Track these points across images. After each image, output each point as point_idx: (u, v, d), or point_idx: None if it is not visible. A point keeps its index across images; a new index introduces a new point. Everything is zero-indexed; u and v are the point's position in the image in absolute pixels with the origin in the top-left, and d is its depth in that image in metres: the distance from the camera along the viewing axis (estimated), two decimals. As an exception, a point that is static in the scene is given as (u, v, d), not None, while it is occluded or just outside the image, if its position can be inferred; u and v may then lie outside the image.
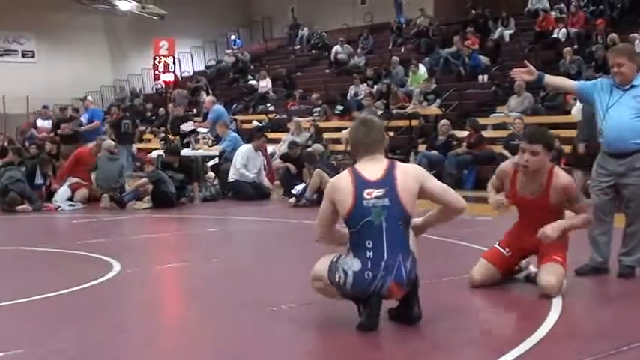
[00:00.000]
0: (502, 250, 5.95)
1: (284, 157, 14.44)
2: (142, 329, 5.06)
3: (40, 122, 19.33)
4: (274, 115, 22.96)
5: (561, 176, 5.71)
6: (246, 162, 13.60)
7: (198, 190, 13.42)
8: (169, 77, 25.71)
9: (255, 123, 21.56)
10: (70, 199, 13.23)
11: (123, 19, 31.71)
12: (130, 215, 12.09)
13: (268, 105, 24.37)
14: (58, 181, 13.59)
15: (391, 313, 4.86)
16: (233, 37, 32.28)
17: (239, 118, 22.52)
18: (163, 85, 27.17)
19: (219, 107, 17.54)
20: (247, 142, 14.38)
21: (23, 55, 31.12)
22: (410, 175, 4.76)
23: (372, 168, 4.70)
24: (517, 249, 5.92)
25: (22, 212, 12.24)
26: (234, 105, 25.02)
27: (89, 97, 18.89)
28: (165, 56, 25.31)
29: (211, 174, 15.08)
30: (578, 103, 11.98)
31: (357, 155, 4.86)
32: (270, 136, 17.44)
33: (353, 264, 4.60)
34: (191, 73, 31.61)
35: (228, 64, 30.03)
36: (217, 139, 15.44)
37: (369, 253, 4.57)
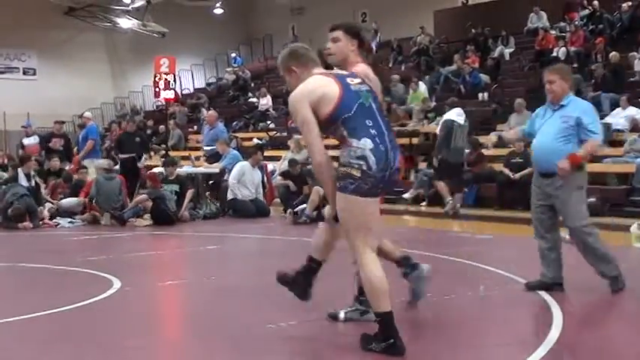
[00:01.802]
0: None
1: (284, 175, 14.46)
2: (141, 347, 5.03)
3: (26, 141, 19.26)
4: (275, 132, 22.99)
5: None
6: (239, 177, 13.64)
7: (189, 201, 13.45)
8: (170, 95, 25.74)
9: (255, 140, 21.58)
10: (72, 215, 13.26)
11: (124, 36, 31.83)
12: (130, 232, 12.08)
13: (269, 122, 24.41)
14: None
15: None
16: (234, 55, 32.39)
17: (239, 135, 22.54)
18: (164, 103, 27.21)
19: (221, 125, 17.56)
20: (246, 160, 14.42)
21: (24, 73, 31.20)
22: (362, 68, 5.08)
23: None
24: None
25: (23, 229, 12.23)
26: (235, 122, 25.07)
27: (86, 114, 18.82)
28: (165, 73, 25.28)
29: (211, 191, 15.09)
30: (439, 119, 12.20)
31: (306, 70, 4.86)
32: (271, 153, 17.46)
33: (365, 145, 4.54)
34: (192, 91, 31.69)
35: (228, 81, 30.12)
36: (217, 157, 15.42)
37: (373, 131, 4.60)
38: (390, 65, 25.50)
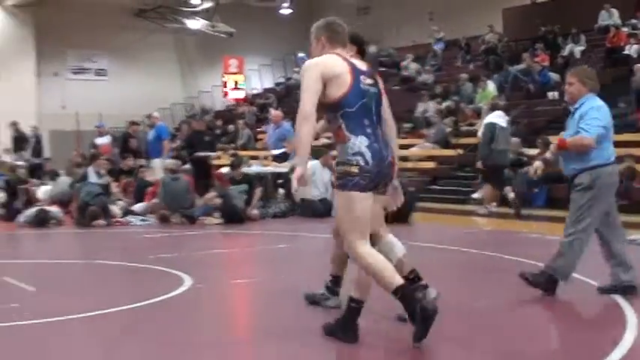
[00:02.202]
0: None
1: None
2: (212, 344, 5.11)
3: (98, 140, 19.71)
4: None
5: None
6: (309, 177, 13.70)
7: (258, 199, 13.58)
8: (239, 95, 26.02)
9: (323, 140, 21.58)
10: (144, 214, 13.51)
11: (193, 37, 32.21)
12: (200, 230, 12.25)
13: (340, 122, 24.40)
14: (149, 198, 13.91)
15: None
16: (301, 55, 32.52)
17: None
18: (233, 102, 27.50)
19: (288, 124, 17.66)
20: (316, 159, 14.45)
21: (96, 74, 31.83)
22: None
23: (357, 59, 5.07)
24: None
25: (97, 226, 12.50)
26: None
27: (155, 114, 19.15)
28: (234, 74, 25.64)
29: (281, 190, 15.19)
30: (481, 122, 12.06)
31: (331, 46, 5.10)
32: (338, 152, 17.45)
33: (361, 142, 4.75)
34: (260, 91, 31.93)
35: (297, 81, 30.24)
36: (284, 156, 15.50)
37: (369, 130, 4.81)
38: (459, 64, 25.34)
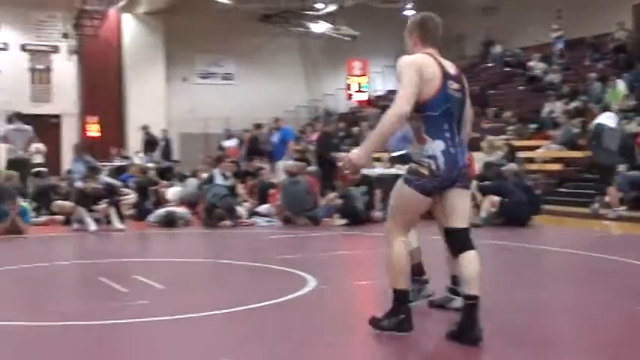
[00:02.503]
0: None
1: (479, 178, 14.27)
2: (335, 345, 5.14)
3: (226, 143, 20.16)
4: (467, 133, 22.73)
5: None
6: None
7: (380, 201, 13.58)
8: (363, 97, 26.07)
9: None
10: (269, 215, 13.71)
11: (317, 40, 32.49)
12: (324, 232, 12.34)
13: (461, 124, 24.16)
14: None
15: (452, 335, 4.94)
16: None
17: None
18: (357, 105, 27.58)
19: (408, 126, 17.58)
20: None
21: (223, 78, 32.55)
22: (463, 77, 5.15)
23: (446, 62, 5.04)
24: None
25: (223, 227, 12.78)
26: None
27: (280, 116, 19.49)
28: (358, 76, 25.70)
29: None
30: None
31: (422, 44, 5.09)
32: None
33: (437, 146, 4.85)
34: (384, 93, 31.91)
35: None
36: (405, 158, 15.42)
37: (447, 134, 4.89)
38: (587, 63, 24.64)
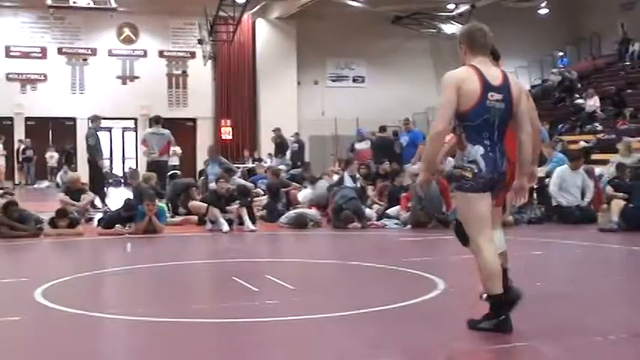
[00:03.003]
0: None
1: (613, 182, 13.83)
2: (469, 348, 5.09)
3: (358, 145, 20.27)
4: (602, 134, 22.07)
5: None
6: (560, 184, 13.31)
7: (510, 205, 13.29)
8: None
9: (582, 143, 20.89)
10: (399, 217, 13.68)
11: (448, 42, 32.20)
12: (453, 235, 12.19)
13: (596, 124, 23.49)
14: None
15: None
16: (561, 54, 31.55)
17: (565, 138, 21.93)
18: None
19: (543, 128, 17.21)
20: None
21: (354, 80, 32.77)
22: (517, 84, 5.49)
23: (492, 72, 5.35)
24: None
25: (352, 229, 12.84)
26: (560, 125, 24.43)
27: (410, 119, 19.46)
28: (491, 77, 25.39)
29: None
30: None
31: (471, 54, 5.43)
32: (598, 157, 16.80)
33: (477, 150, 5.23)
34: (516, 93, 31.35)
35: (554, 83, 29.39)
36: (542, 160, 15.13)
37: (487, 141, 5.25)
38: None
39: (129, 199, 13.67)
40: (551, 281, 7.93)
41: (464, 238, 5.49)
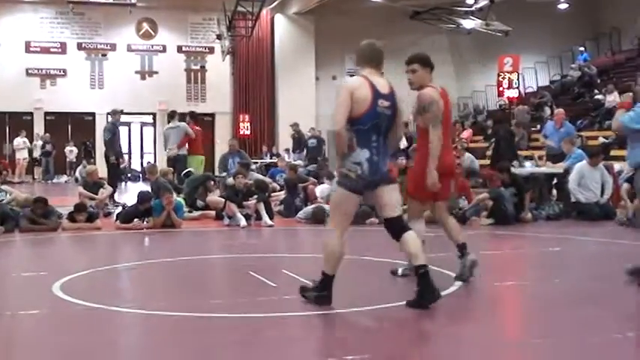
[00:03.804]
0: None
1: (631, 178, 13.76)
2: (484, 345, 5.09)
3: None
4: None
5: (424, 88, 7.04)
6: (579, 180, 13.28)
7: (529, 201, 13.29)
8: (513, 93, 25.63)
9: (601, 139, 20.78)
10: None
11: (467, 37, 32.13)
12: (470, 231, 12.17)
13: (616, 121, 23.34)
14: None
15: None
16: (581, 49, 31.37)
17: (584, 134, 21.82)
18: (506, 102, 27.15)
19: (568, 123, 17.11)
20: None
21: (372, 76, 32.68)
22: (397, 97, 6.11)
23: (380, 81, 6.04)
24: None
25: (369, 225, 12.83)
26: (580, 121, 24.30)
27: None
28: (509, 72, 25.25)
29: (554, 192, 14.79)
30: None
31: (361, 66, 6.17)
32: (618, 153, 16.69)
33: (364, 154, 5.88)
34: (535, 89, 31.22)
35: (573, 78, 29.24)
36: (560, 156, 15.06)
37: (374, 144, 5.92)
38: None
39: (142, 191, 13.72)
40: (568, 278, 7.89)
41: (395, 234, 6.09)
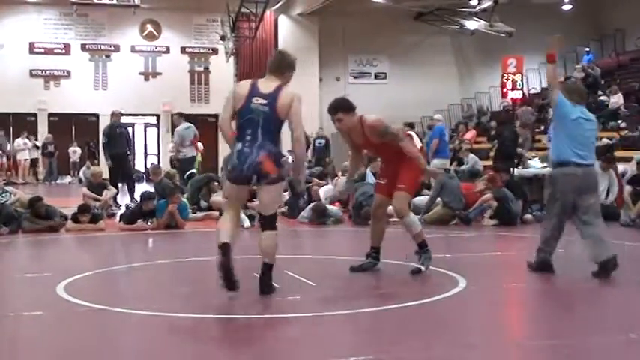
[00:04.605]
0: (381, 181, 8.09)
1: (634, 181, 13.76)
2: (487, 346, 5.09)
3: None
4: (625, 132, 21.92)
5: (367, 119, 7.66)
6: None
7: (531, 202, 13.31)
8: (517, 95, 25.61)
9: (604, 140, 20.73)
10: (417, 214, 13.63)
11: (470, 38, 32.13)
12: (475, 232, 12.18)
13: (619, 122, 23.33)
14: None
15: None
16: (586, 50, 31.32)
17: (588, 135, 21.76)
18: (510, 103, 27.13)
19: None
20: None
21: (376, 77, 32.72)
22: (289, 95, 6.58)
23: (267, 84, 6.65)
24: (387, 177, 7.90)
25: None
26: (583, 122, 24.25)
27: (437, 116, 19.45)
28: (513, 74, 25.24)
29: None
30: None
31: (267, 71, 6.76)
32: (621, 154, 16.67)
33: (236, 147, 6.47)
34: (539, 90, 31.18)
35: (577, 79, 29.17)
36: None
37: (248, 138, 6.45)
38: None
39: (145, 191, 13.73)
40: (570, 279, 7.88)
41: (262, 228, 6.77)
